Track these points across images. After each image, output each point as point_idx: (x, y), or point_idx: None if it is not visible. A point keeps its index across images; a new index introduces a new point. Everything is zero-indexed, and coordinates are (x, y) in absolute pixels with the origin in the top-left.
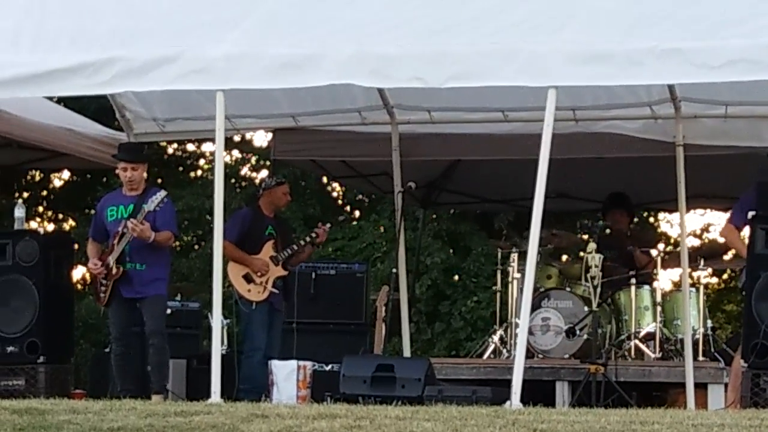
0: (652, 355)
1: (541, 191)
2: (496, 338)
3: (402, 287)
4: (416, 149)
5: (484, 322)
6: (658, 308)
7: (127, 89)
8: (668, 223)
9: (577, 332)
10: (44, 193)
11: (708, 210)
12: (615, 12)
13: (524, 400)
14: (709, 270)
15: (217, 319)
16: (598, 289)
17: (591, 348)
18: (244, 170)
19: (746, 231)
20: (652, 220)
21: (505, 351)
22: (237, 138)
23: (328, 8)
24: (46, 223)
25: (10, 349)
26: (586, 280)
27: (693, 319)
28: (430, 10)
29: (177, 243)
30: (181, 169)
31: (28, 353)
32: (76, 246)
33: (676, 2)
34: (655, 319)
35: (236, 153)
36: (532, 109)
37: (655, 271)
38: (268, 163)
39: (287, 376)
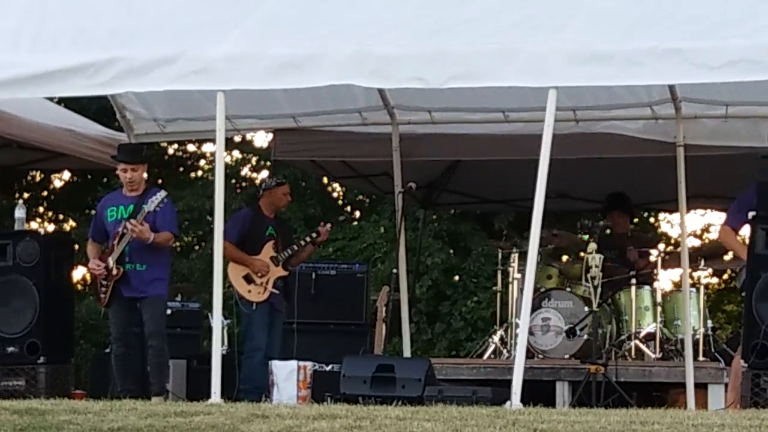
0: (653, 356)
1: (541, 191)
2: (496, 338)
3: (402, 287)
4: (417, 149)
5: (484, 322)
6: (659, 308)
7: (128, 90)
8: (668, 223)
9: (578, 332)
10: (45, 193)
11: (708, 210)
12: (615, 12)
13: (524, 401)
14: (710, 270)
15: (217, 320)
16: (599, 290)
17: (591, 348)
18: (245, 171)
19: (744, 231)
20: (652, 220)
21: (505, 351)
22: (237, 138)
23: (329, 8)
24: (46, 223)
25: (10, 349)
26: (587, 281)
27: (693, 320)
28: (431, 10)
29: (177, 243)
30: (181, 169)
31: (29, 354)
32: (76, 246)
33: (676, 2)
34: (655, 320)
35: (237, 153)
36: (533, 110)
37: (655, 272)
38: (268, 163)
39: (287, 376)
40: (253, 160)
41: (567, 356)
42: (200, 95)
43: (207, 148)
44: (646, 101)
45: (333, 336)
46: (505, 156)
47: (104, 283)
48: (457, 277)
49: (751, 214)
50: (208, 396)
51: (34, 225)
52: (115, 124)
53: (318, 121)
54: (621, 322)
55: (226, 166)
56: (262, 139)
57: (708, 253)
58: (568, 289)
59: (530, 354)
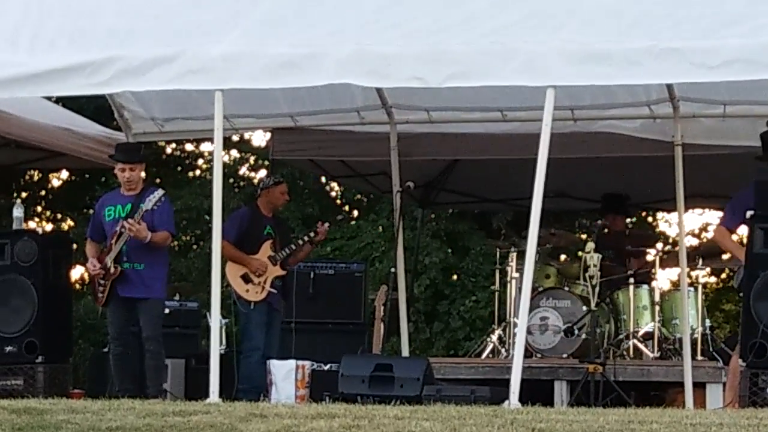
0: (651, 355)
1: (539, 191)
2: (494, 338)
3: (400, 287)
4: (415, 149)
5: (482, 321)
6: (657, 308)
7: (126, 89)
8: (667, 222)
9: (576, 332)
10: (43, 192)
11: (706, 209)
12: (613, 11)
13: (523, 400)
14: (708, 269)
15: (215, 319)
16: (597, 289)
17: (589, 347)
18: (243, 170)
19: (740, 231)
20: (650, 219)
21: (503, 350)
22: (236, 138)
23: (327, 8)
24: (44, 222)
25: (8, 348)
26: (585, 280)
27: (691, 319)
28: (429, 9)
29: (175, 243)
30: (179, 168)
31: (27, 353)
32: (74, 246)
33: (675, 2)
34: (653, 319)
35: (235, 153)
36: (531, 109)
37: (653, 271)
38: (266, 162)
39: (286, 375)
40: (251, 159)
41: (565, 355)
42: (198, 94)
43: (205, 147)
44: (644, 100)
45: (331, 335)
46: (503, 155)
47: (102, 282)
48: (455, 277)
49: (749, 213)
50: (206, 395)
51: (32, 224)
52: (113, 124)
53: (316, 121)
54: (619, 322)
55: (224, 165)
56: (260, 139)
57: (706, 253)
58: (567, 289)
59: (528, 353)
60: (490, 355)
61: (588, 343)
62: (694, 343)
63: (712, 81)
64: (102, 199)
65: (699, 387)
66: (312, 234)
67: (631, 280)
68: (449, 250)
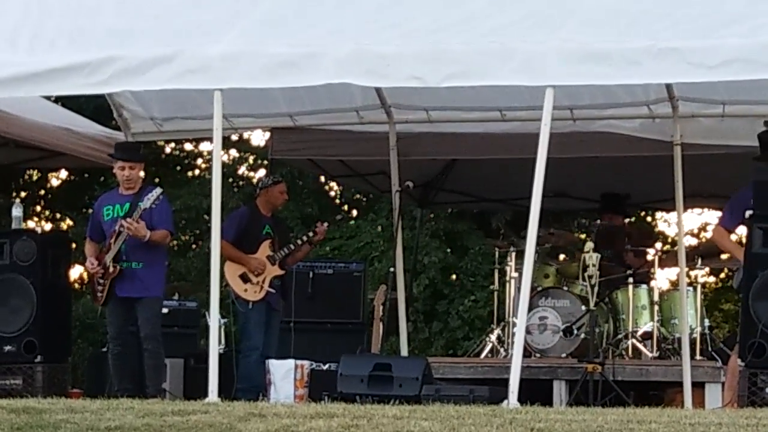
0: (650, 354)
1: (538, 190)
2: (493, 337)
3: (399, 286)
4: (414, 148)
5: (481, 321)
6: (656, 307)
7: (125, 88)
8: (666, 222)
9: (575, 331)
10: (42, 192)
11: (705, 209)
12: (612, 11)
13: (521, 399)
14: (707, 269)
15: (214, 319)
16: (596, 288)
17: (588, 347)
18: (242, 169)
19: (739, 231)
20: (649, 219)
21: (502, 350)
22: (235, 137)
23: (326, 7)
24: (43, 222)
25: (7, 348)
26: (584, 279)
27: (690, 318)
28: (428, 9)
29: (174, 242)
30: (178, 168)
31: (26, 352)
32: (73, 245)
33: (673, 1)
34: (652, 318)
35: (234, 152)
36: (530, 109)
37: (652, 271)
38: (265, 162)
39: (285, 375)
40: (251, 158)
41: (564, 355)
42: (197, 94)
43: (204, 146)
44: (643, 100)
45: (330, 335)
46: (502, 155)
47: (101, 281)
48: (454, 276)
49: (748, 213)
50: (205, 395)
51: (31, 224)
52: (112, 123)
53: (315, 120)
54: (618, 321)
55: (223, 164)
56: (259, 138)
57: (705, 252)
58: (566, 288)
59: (527, 353)
60: (489, 355)
61: (587, 343)
62: (693, 342)
63: (711, 81)
64: (100, 198)
65: (698, 387)
66: (310, 234)
67: (630, 279)
68: (448, 250)
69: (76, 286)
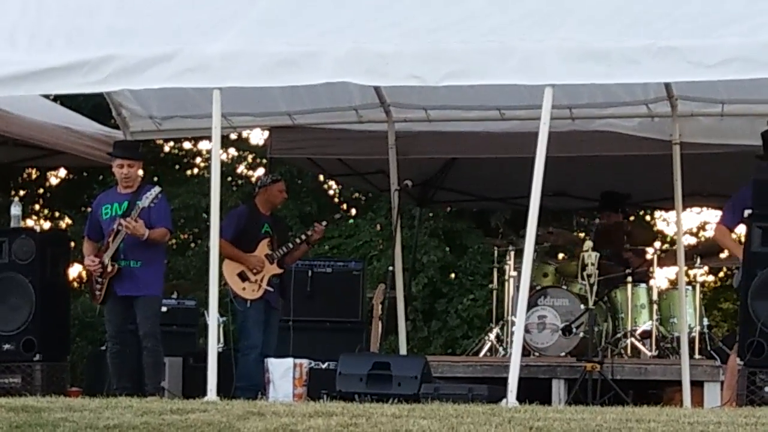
0: (649, 353)
1: (537, 189)
2: (492, 336)
3: (398, 285)
4: (413, 147)
5: (480, 320)
6: (655, 306)
7: (124, 87)
8: (664, 221)
9: (574, 330)
10: (40, 191)
11: (704, 208)
12: (611, 10)
13: (520, 398)
14: (706, 268)
15: (213, 317)
16: (595, 287)
17: (587, 346)
18: (241, 168)
19: (739, 230)
20: (648, 218)
21: (501, 349)
22: (233, 136)
23: (325, 6)
24: (42, 221)
25: (6, 346)
26: (583, 278)
27: (689, 317)
28: (427, 8)
29: (173, 241)
30: (177, 167)
31: (25, 351)
32: (72, 244)
33: (673, 1)
34: (651, 317)
35: (233, 151)
36: (529, 108)
37: (651, 270)
38: (264, 161)
39: (283, 373)
40: (249, 157)
41: (563, 354)
42: (196, 93)
43: (203, 145)
44: (642, 99)
45: (329, 333)
46: (501, 154)
47: (99, 280)
48: (453, 275)
49: (746, 212)
50: (204, 393)
51: (29, 222)
52: (111, 122)
53: (314, 119)
54: (617, 320)
55: (222, 163)
56: (258, 137)
57: (704, 251)
58: (564, 287)
59: (526, 352)
60: (488, 354)
61: (586, 342)
62: (691, 341)
63: (710, 80)
64: (99, 197)
65: (697, 385)
66: (308, 233)
67: (629, 278)
68: (447, 249)
69: (75, 284)
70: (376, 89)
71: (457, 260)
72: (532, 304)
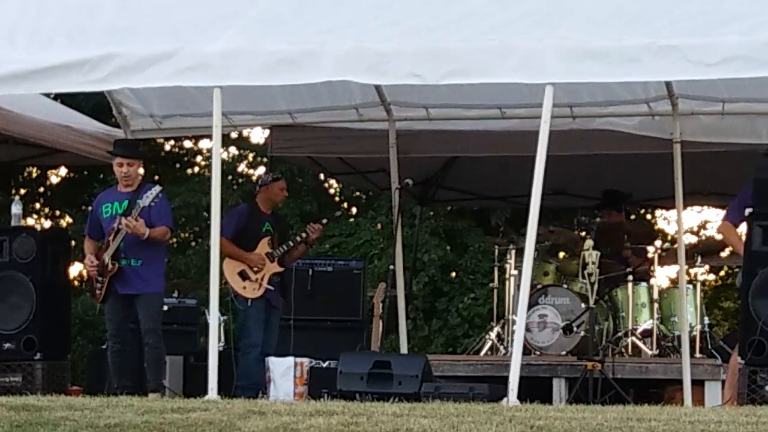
0: (649, 352)
1: (538, 188)
2: (493, 335)
3: (399, 284)
4: (413, 146)
5: (481, 318)
6: (655, 305)
7: (124, 86)
8: (665, 220)
9: (574, 329)
10: (41, 189)
11: (705, 207)
12: (612, 9)
13: (521, 397)
14: (706, 267)
15: (214, 316)
16: (596, 286)
17: (588, 345)
18: (241, 167)
19: (743, 228)
20: (649, 217)
21: (502, 348)
22: (234, 134)
23: (325, 5)
24: (43, 219)
25: (7, 345)
26: (584, 277)
27: (690, 316)
28: (427, 6)
29: (174, 240)
30: (178, 165)
31: (25, 350)
32: (72, 243)
33: None
34: (652, 316)
35: (233, 150)
36: (529, 106)
37: (652, 268)
38: (265, 159)
39: (284, 372)
40: (250, 156)
41: (564, 353)
42: (197, 91)
43: (203, 144)
44: (642, 98)
45: (330, 332)
46: (501, 152)
47: (100, 279)
48: (453, 274)
49: (747, 210)
50: (204, 392)
51: (30, 221)
52: (112, 121)
53: (314, 118)
54: (618, 319)
55: (223, 162)
56: (258, 136)
57: (705, 250)
58: (565, 286)
59: (527, 350)
60: (489, 353)
61: (587, 341)
62: (692, 340)
63: (710, 78)
64: (99, 196)
65: (697, 384)
66: (304, 235)
67: (630, 277)
68: (448, 248)
69: (76, 283)
70: (377, 88)
71: (458, 259)
72: (532, 303)
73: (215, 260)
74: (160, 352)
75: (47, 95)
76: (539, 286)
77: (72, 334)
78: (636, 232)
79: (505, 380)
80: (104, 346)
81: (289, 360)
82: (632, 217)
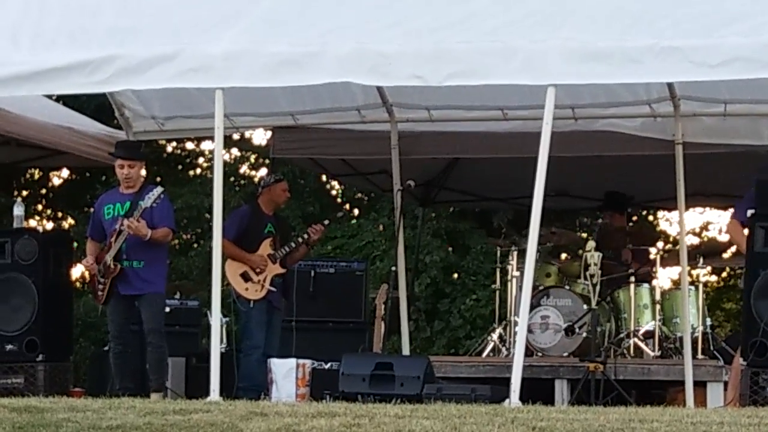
0: (651, 354)
1: (540, 189)
2: (495, 336)
3: (401, 285)
4: (415, 147)
5: (483, 320)
6: (658, 306)
7: (126, 87)
8: (667, 221)
9: (577, 330)
10: (43, 191)
11: (707, 208)
12: (614, 10)
13: (523, 399)
14: (708, 268)
15: (216, 318)
16: (598, 287)
17: (590, 346)
18: (243, 168)
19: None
20: (651, 218)
21: (504, 349)
22: (236, 136)
23: (327, 6)
24: (45, 221)
25: (9, 347)
26: (586, 278)
27: (692, 317)
28: (429, 7)
29: (176, 241)
30: (180, 167)
31: (27, 351)
32: (75, 244)
33: (675, 0)
34: (654, 317)
35: (235, 151)
36: (531, 107)
37: (654, 270)
38: (267, 161)
39: (286, 374)
40: (252, 157)
41: (566, 354)
42: (199, 93)
43: (206, 145)
44: (644, 99)
45: (332, 334)
46: (503, 154)
47: (102, 280)
48: (455, 275)
49: (749, 212)
50: (206, 394)
51: (32, 223)
52: (114, 122)
53: (316, 119)
54: (620, 320)
55: (225, 163)
56: (260, 137)
57: (707, 251)
58: (567, 287)
59: (529, 352)
60: (491, 354)
61: (589, 342)
62: (694, 341)
63: (712, 79)
64: (101, 197)
65: (699, 386)
66: (305, 236)
67: (632, 278)
68: (450, 249)
69: (78, 285)
70: (379, 89)
71: (460, 260)
72: (534, 305)
73: (217, 262)
74: (162, 352)
75: (49, 97)
76: (541, 288)
77: (74, 335)
78: (636, 233)
79: (507, 381)
80: (106, 348)
81: (291, 361)
82: (634, 218)
